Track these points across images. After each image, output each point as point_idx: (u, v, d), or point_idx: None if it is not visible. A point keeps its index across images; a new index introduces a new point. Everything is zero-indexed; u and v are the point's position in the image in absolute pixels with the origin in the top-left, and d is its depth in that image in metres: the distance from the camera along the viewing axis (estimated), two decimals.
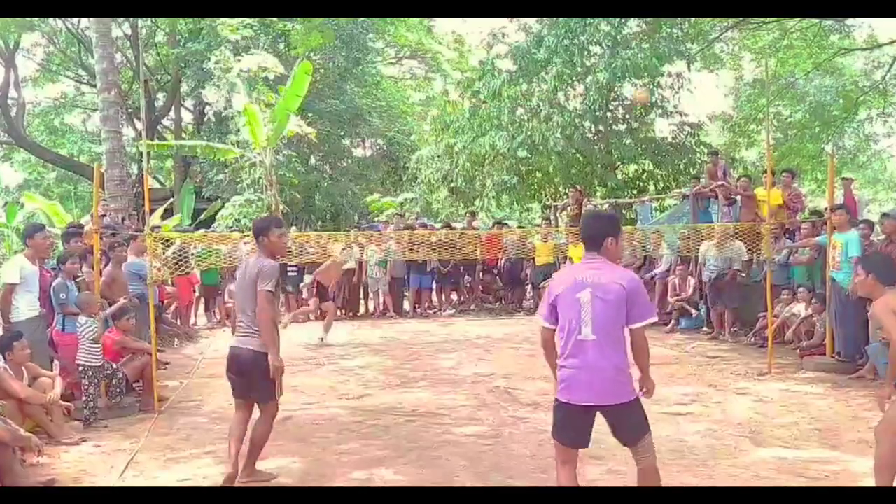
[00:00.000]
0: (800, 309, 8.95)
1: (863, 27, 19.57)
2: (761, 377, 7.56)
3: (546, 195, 17.90)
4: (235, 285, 5.42)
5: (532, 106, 15.80)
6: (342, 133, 22.05)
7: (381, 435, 5.69)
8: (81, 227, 8.78)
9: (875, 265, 4.00)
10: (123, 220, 11.80)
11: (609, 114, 16.94)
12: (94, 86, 15.74)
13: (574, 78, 15.91)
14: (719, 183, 11.19)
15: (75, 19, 21.56)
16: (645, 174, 17.40)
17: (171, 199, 19.40)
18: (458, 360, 8.84)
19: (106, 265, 7.80)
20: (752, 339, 9.47)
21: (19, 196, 22.68)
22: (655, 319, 3.60)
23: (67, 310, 6.57)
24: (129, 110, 22.18)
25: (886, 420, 3.85)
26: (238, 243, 10.38)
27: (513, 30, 18.01)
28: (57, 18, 21.48)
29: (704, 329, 10.48)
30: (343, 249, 11.78)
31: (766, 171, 9.61)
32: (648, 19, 16.11)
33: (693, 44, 18.08)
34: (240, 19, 17.66)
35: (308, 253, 11.03)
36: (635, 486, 3.56)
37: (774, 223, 8.87)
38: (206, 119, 22.85)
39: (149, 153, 12.27)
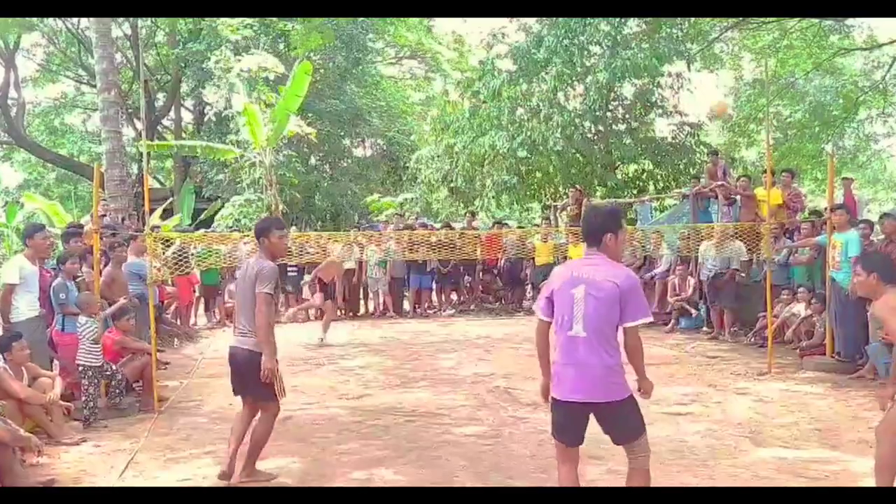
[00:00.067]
0: (800, 309, 8.96)
1: (862, 27, 19.58)
2: (761, 377, 7.56)
3: (546, 195, 17.91)
4: (236, 285, 5.43)
5: (532, 106, 15.81)
6: (342, 133, 22.05)
7: (381, 435, 5.69)
8: (81, 227, 8.78)
9: (876, 264, 3.97)
10: (123, 220, 11.79)
11: (609, 114, 16.96)
12: (94, 86, 15.74)
13: (574, 78, 15.91)
14: (719, 183, 11.19)
15: (75, 19, 21.57)
16: (645, 174, 17.41)
17: (171, 199, 19.41)
18: (457, 360, 8.84)
19: (106, 265, 7.80)
20: (752, 339, 9.47)
21: (19, 196, 22.68)
22: (650, 319, 3.52)
23: (67, 310, 6.56)
24: (129, 110, 22.18)
25: (887, 420, 3.83)
26: (238, 243, 10.39)
27: (513, 30, 18.04)
28: (57, 18, 21.48)
29: (704, 329, 10.49)
30: (343, 247, 11.78)
31: (765, 171, 9.62)
32: (648, 19, 16.11)
33: (693, 44, 18.10)
34: (240, 19, 17.66)
35: (308, 253, 11.04)
36: (631, 486, 3.54)
37: (774, 223, 8.88)
38: (205, 119, 22.86)
39: (149, 153, 12.28)
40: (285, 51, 18.72)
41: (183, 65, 21.05)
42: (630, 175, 17.59)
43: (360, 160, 23.80)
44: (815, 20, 17.91)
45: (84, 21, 20.36)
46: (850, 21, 18.50)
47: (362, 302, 13.64)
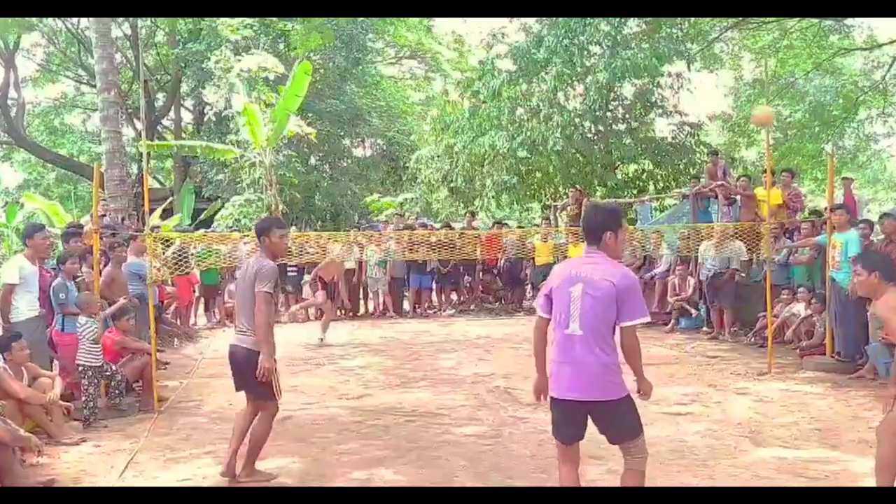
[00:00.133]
0: (800, 309, 8.96)
1: (862, 27, 19.59)
2: (761, 377, 7.56)
3: (546, 195, 17.91)
4: (236, 285, 5.45)
5: (532, 106, 15.81)
6: (342, 133, 22.05)
7: (381, 435, 5.69)
8: (81, 227, 8.78)
9: (877, 263, 3.94)
10: (123, 220, 11.80)
11: (609, 114, 16.96)
12: (94, 86, 15.74)
13: (574, 78, 15.92)
14: (719, 183, 11.19)
15: (75, 19, 21.56)
16: (645, 174, 17.41)
17: (171, 199, 19.41)
18: (457, 360, 8.84)
19: (105, 265, 7.80)
20: (752, 339, 9.47)
21: (19, 196, 22.68)
22: (647, 319, 3.48)
23: (67, 310, 6.56)
24: (129, 110, 22.18)
25: (888, 420, 3.81)
26: (238, 243, 10.39)
27: (513, 30, 18.05)
28: (57, 18, 21.47)
29: (704, 329, 10.48)
30: (343, 247, 11.77)
31: (765, 171, 9.62)
32: (648, 19, 16.11)
33: (693, 44, 18.10)
34: (240, 19, 17.66)
35: (308, 253, 11.04)
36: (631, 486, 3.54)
37: (774, 223, 8.88)
38: (205, 119, 22.85)
39: (148, 153, 12.29)
40: (285, 51, 18.72)
41: (183, 65, 21.05)
42: (630, 175, 17.59)
43: (359, 160, 23.80)
44: (815, 20, 17.91)
45: (84, 21, 20.37)
46: (849, 21, 18.50)
47: (362, 302, 13.64)
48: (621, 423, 3.41)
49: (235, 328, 4.76)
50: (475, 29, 32.08)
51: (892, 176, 30.75)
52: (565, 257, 12.13)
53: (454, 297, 14.21)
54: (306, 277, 11.88)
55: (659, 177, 17.09)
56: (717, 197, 11.23)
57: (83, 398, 6.00)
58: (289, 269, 12.21)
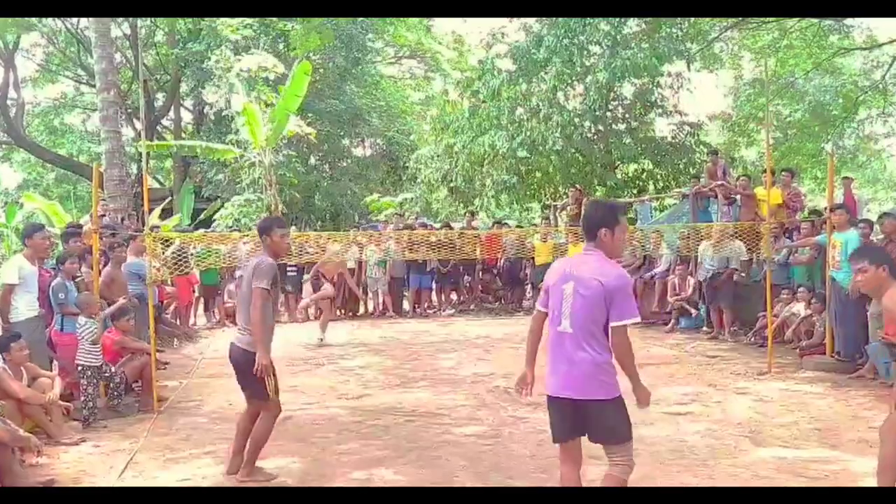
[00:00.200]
0: (799, 308, 8.95)
1: (862, 27, 19.59)
2: (761, 377, 7.55)
3: (546, 195, 17.90)
4: (236, 285, 5.47)
5: (531, 105, 15.81)
6: (342, 133, 22.05)
7: (381, 435, 5.69)
8: (80, 227, 8.77)
9: (882, 258, 3.83)
10: (123, 220, 11.79)
11: (609, 113, 16.95)
12: (94, 86, 15.73)
13: (574, 78, 15.91)
14: (719, 182, 11.19)
15: (74, 19, 21.55)
16: (644, 174, 17.41)
17: (171, 199, 19.40)
18: (457, 360, 8.84)
19: (105, 265, 7.79)
20: (752, 339, 9.46)
21: (19, 196, 22.68)
22: (636, 320, 3.38)
23: (66, 310, 6.56)
24: (129, 110, 22.18)
25: (891, 419, 3.75)
26: (237, 243, 10.38)
27: (512, 29, 18.04)
28: (56, 18, 21.46)
29: (704, 329, 10.47)
30: (342, 247, 11.76)
31: (765, 171, 9.62)
32: (648, 19, 16.11)
33: (693, 43, 18.10)
34: (239, 19, 17.65)
35: (308, 252, 11.03)
36: (631, 486, 3.53)
37: (774, 223, 8.88)
38: (205, 119, 22.84)
39: (148, 153, 12.28)
40: (285, 51, 18.71)
41: (182, 65, 21.04)
42: (630, 175, 17.59)
43: (359, 160, 23.80)
44: (815, 20, 17.91)
45: (83, 21, 20.37)
46: (849, 21, 18.50)
47: (362, 302, 13.63)
48: (610, 424, 3.36)
49: (237, 327, 4.80)
50: (475, 29, 32.10)
51: (891, 175, 30.75)
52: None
53: (454, 296, 14.20)
54: (306, 277, 11.86)
55: (659, 176, 17.09)
56: (716, 196, 11.23)
57: (82, 398, 6.00)
58: (289, 268, 12.20)
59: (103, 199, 11.51)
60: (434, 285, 13.73)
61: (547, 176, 17.32)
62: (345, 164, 22.98)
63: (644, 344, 9.38)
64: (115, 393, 6.39)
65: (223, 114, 18.66)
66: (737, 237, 9.51)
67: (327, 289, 10.74)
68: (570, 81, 15.99)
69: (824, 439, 5.36)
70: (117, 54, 19.32)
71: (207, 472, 4.82)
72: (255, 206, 15.31)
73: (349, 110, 21.05)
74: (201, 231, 13.20)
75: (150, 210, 11.69)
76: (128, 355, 6.74)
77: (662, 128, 17.95)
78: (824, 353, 8.02)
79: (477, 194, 17.68)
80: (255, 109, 14.73)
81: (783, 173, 10.82)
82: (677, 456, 4.98)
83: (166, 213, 16.95)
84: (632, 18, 16.15)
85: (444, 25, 26.44)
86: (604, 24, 15.75)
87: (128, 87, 22.53)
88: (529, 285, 13.71)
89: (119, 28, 21.37)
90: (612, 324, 3.30)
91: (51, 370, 6.05)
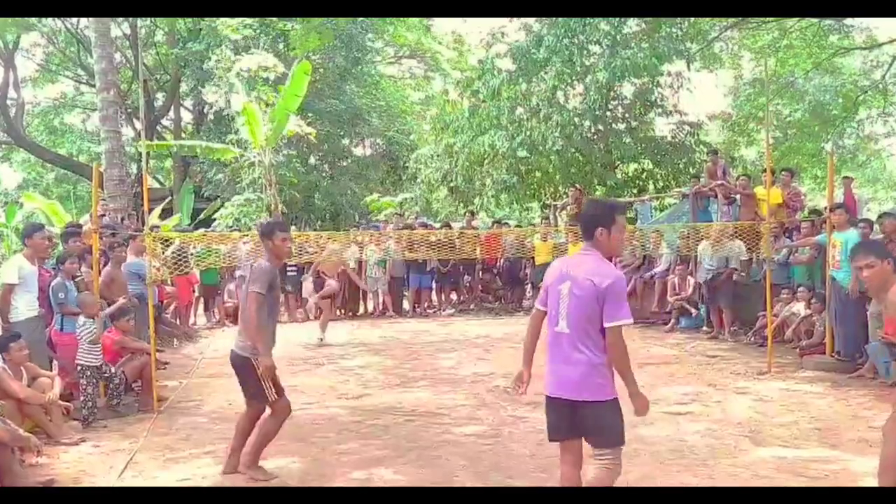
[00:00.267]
0: (799, 308, 8.95)
1: (862, 27, 19.57)
2: (761, 376, 7.55)
3: (545, 194, 17.89)
4: (237, 284, 5.50)
5: (531, 105, 15.81)
6: (342, 133, 22.03)
7: (381, 435, 5.69)
8: (80, 226, 8.77)
9: (887, 252, 3.77)
10: (123, 219, 11.79)
11: (608, 113, 16.94)
12: (94, 85, 15.72)
13: (573, 77, 15.90)
14: (719, 182, 11.18)
15: (74, 19, 21.54)
16: (644, 173, 17.41)
17: (170, 199, 19.39)
18: (457, 360, 8.84)
19: (105, 265, 7.79)
20: (752, 339, 9.46)
21: (18, 196, 22.67)
22: (629, 321, 3.33)
23: (66, 310, 6.56)
24: (129, 110, 22.16)
25: (894, 418, 3.70)
26: (237, 243, 10.39)
27: (512, 29, 18.02)
28: (56, 18, 21.46)
29: (704, 328, 10.47)
30: (341, 247, 11.76)
31: (765, 170, 9.62)
32: (648, 19, 16.11)
33: (692, 43, 18.08)
34: (240, 19, 17.64)
35: (307, 252, 11.04)
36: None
37: (774, 222, 8.88)
38: (205, 119, 22.84)
39: (148, 153, 12.28)
40: (285, 50, 18.70)
41: (182, 64, 21.03)
42: (630, 174, 17.58)
43: (359, 160, 23.78)
44: (815, 20, 17.90)
45: (83, 21, 20.35)
46: (849, 21, 18.49)
47: (362, 302, 13.63)
48: (603, 426, 3.34)
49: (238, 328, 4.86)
50: (475, 28, 32.08)
51: (891, 175, 30.73)
52: None
53: (454, 296, 14.20)
54: (306, 276, 11.85)
55: (659, 176, 17.08)
56: (716, 196, 11.23)
57: (82, 398, 6.00)
58: (288, 268, 12.20)
59: (103, 199, 11.51)
60: (434, 285, 13.73)
61: (547, 176, 17.31)
62: (345, 163, 22.96)
63: (644, 344, 9.39)
64: (115, 393, 6.39)
65: (223, 114, 18.65)
66: (737, 237, 9.51)
67: (331, 284, 10.73)
68: (569, 81, 15.98)
69: (824, 439, 5.36)
70: (117, 54, 19.31)
71: (207, 472, 4.82)
72: (255, 205, 15.30)
73: (349, 110, 21.03)
74: (201, 231, 13.20)
75: (150, 210, 11.69)
76: (128, 355, 6.74)
77: (662, 127, 17.96)
78: (824, 353, 8.02)
79: (477, 194, 17.67)
80: (255, 109, 14.72)
81: (783, 173, 10.82)
82: (677, 456, 4.98)
83: (166, 213, 16.94)
84: (632, 18, 16.15)
85: (444, 25, 26.46)
86: (604, 24, 15.74)
87: (128, 87, 22.52)
88: (529, 285, 13.71)
89: (119, 28, 21.35)
90: (605, 324, 3.28)
91: (51, 370, 6.05)
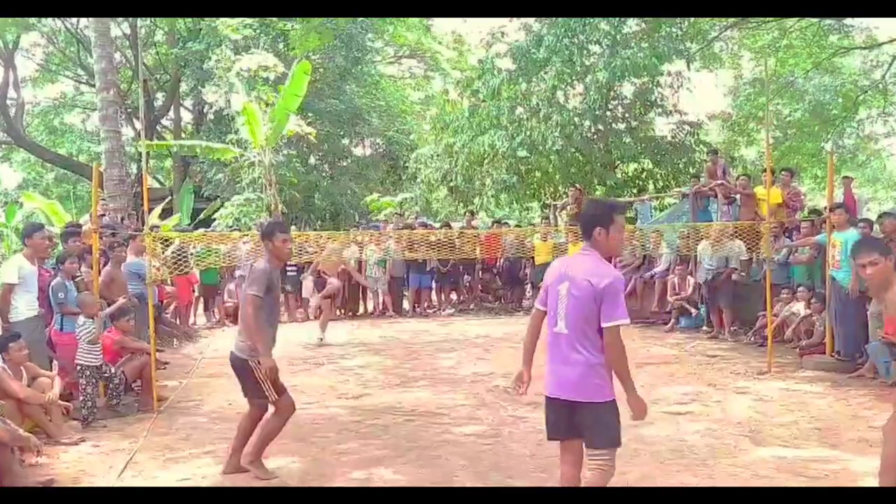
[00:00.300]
0: (799, 308, 8.95)
1: (862, 27, 19.57)
2: (761, 376, 7.55)
3: (545, 194, 17.89)
4: (237, 284, 5.50)
5: (531, 105, 15.81)
6: (342, 133, 22.03)
7: (381, 434, 5.69)
8: (80, 226, 8.76)
9: (888, 249, 3.75)
10: (122, 219, 11.79)
11: (608, 113, 16.94)
12: (94, 85, 15.72)
13: (573, 77, 15.90)
14: (719, 182, 11.18)
15: (74, 19, 21.54)
16: (644, 173, 17.41)
17: (170, 199, 19.39)
18: (457, 360, 8.84)
19: (105, 265, 7.79)
20: (752, 338, 9.46)
21: (18, 196, 22.66)
22: (625, 322, 3.30)
23: (66, 309, 6.56)
24: (129, 110, 22.16)
25: (895, 418, 3.69)
26: (237, 243, 10.39)
27: (512, 29, 18.02)
28: (56, 18, 21.45)
29: (704, 328, 10.48)
30: (340, 247, 11.75)
31: (765, 170, 9.62)
32: (648, 19, 16.11)
33: (692, 43, 18.08)
34: (240, 19, 17.64)
35: (307, 252, 11.03)
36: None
37: (774, 222, 8.87)
38: (205, 119, 22.84)
39: (148, 153, 12.28)
40: (285, 50, 18.69)
41: (182, 64, 21.02)
42: (630, 174, 17.59)
43: (359, 159, 23.78)
44: (815, 20, 17.90)
45: (83, 21, 20.34)
46: (849, 21, 18.49)
47: (361, 301, 13.63)
48: (600, 426, 3.33)
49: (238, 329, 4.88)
50: (475, 28, 32.06)
51: (891, 175, 30.73)
52: None
53: (454, 296, 14.20)
54: (305, 275, 11.85)
55: (658, 176, 17.09)
56: (716, 196, 11.23)
57: (81, 398, 6.00)
58: (288, 268, 12.19)
59: (103, 199, 11.50)
60: (434, 285, 13.73)
61: (547, 175, 17.31)
62: (345, 163, 22.96)
63: (644, 344, 9.39)
64: (115, 393, 6.39)
65: (223, 113, 18.65)
66: (737, 237, 9.51)
67: (333, 282, 10.73)
68: (569, 81, 15.98)
69: (824, 439, 5.36)
70: (117, 54, 19.31)
71: (207, 472, 4.82)
72: (254, 205, 15.30)
73: (349, 110, 21.03)
74: (201, 231, 13.19)
75: (150, 210, 11.69)
76: (127, 355, 6.74)
77: (662, 127, 17.96)
78: (824, 353, 8.02)
79: (477, 194, 17.67)
80: (255, 109, 14.72)
81: (783, 173, 10.82)
82: (677, 455, 4.98)
83: (166, 213, 16.93)
84: (632, 18, 16.15)
85: (443, 25, 26.44)
86: (604, 24, 15.74)
87: (127, 87, 22.52)
88: (529, 285, 13.71)
89: (119, 28, 21.34)
90: (602, 325, 3.28)
91: (50, 370, 6.05)
